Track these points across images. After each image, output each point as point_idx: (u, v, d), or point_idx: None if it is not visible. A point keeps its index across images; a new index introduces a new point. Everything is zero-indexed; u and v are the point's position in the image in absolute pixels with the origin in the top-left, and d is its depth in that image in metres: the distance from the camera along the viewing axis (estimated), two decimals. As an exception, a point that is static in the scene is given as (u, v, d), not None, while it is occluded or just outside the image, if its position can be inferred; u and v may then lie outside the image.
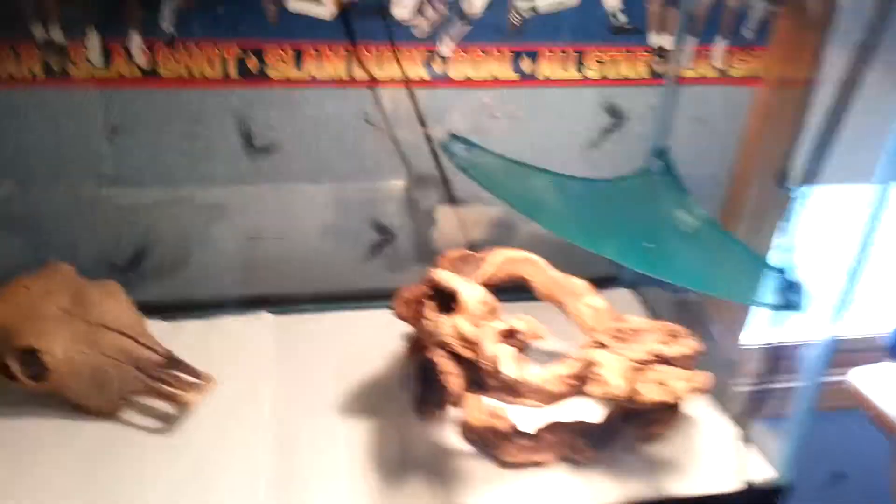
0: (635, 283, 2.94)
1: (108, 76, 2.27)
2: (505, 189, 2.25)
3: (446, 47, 2.46)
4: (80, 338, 1.73)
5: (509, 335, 1.65)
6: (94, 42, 2.21)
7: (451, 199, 2.73)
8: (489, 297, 1.70)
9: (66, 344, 1.71)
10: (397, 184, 2.67)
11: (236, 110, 2.43)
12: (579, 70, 2.60)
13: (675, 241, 2.26)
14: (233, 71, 2.37)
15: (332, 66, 2.43)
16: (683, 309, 2.59)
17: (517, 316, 1.71)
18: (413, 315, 1.80)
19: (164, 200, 2.50)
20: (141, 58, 2.26)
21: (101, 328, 1.71)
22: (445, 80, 2.51)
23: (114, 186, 2.46)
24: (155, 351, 1.91)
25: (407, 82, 2.49)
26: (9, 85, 2.20)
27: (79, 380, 1.63)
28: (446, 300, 1.67)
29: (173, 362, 1.94)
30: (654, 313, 2.44)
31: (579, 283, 2.00)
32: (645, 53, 2.64)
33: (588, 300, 1.95)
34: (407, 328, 1.90)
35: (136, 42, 2.24)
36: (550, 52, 2.54)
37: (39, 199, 2.41)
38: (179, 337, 2.18)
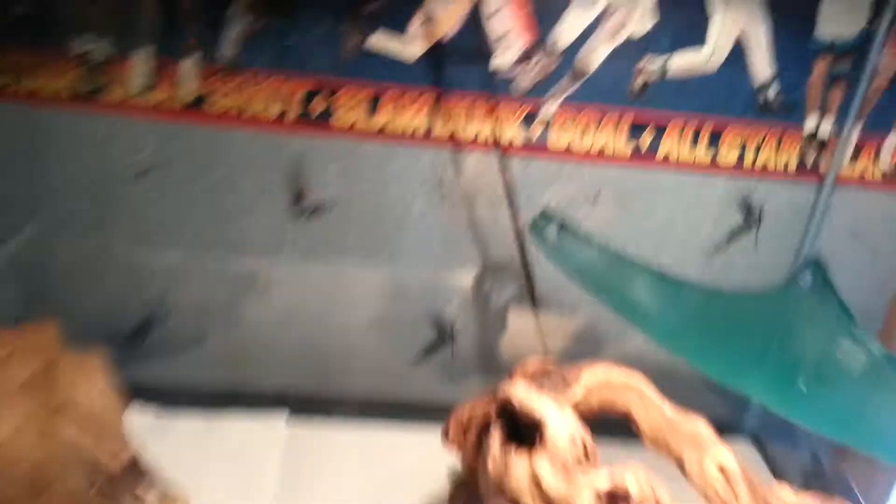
0: (756, 432, 2.32)
1: (147, 104, 1.91)
2: (604, 287, 1.87)
3: (549, 107, 2.01)
4: (31, 423, 1.25)
5: (613, 500, 1.07)
6: (143, 60, 1.87)
7: (531, 299, 2.21)
8: (585, 434, 1.14)
9: (11, 426, 1.21)
10: (466, 273, 2.18)
11: (289, 160, 2.03)
12: (711, 153, 2.10)
13: (839, 381, 1.68)
14: (293, 112, 1.98)
15: (409, 117, 2.02)
16: (816, 471, 2.02)
17: (625, 467, 1.12)
18: (471, 446, 1.24)
19: (186, 262, 2.11)
20: (191, 85, 1.90)
21: (61, 415, 1.23)
22: (543, 148, 2.06)
23: (130, 237, 2.07)
24: (117, 455, 1.43)
25: (498, 146, 2.03)
26: (30, 100, 1.86)
27: (11, 476, 1.14)
28: (522, 431, 1.11)
29: (136, 474, 1.45)
30: (778, 473, 2.12)
31: (703, 429, 1.35)
32: (796, 140, 2.10)
33: (717, 456, 1.32)
34: (458, 461, 1.32)
35: (189, 66, 1.89)
36: (677, 126, 2.04)
37: (43, 240, 2.04)
38: (171, 434, 1.72)
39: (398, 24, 1.93)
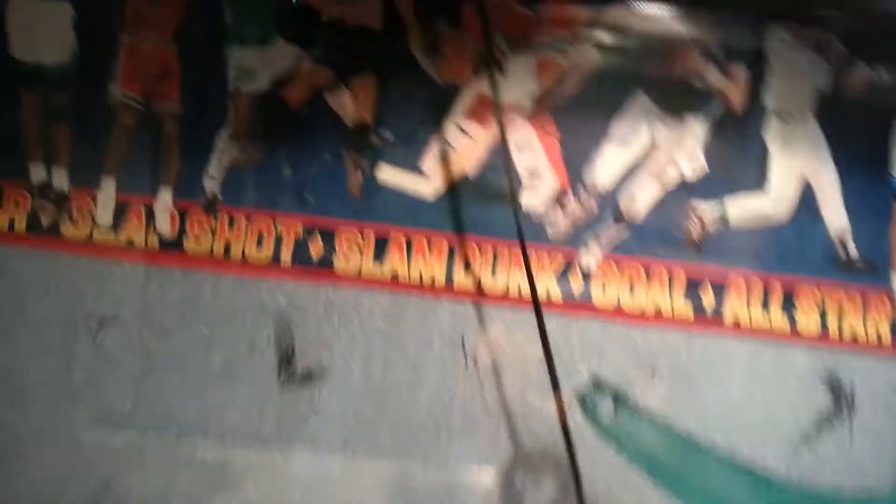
0: None
1: (114, 242, 1.62)
2: (671, 475, 1.60)
3: (591, 257, 1.70)
4: None
5: None
6: (108, 194, 1.61)
7: (578, 496, 1.73)
8: None
9: None
10: (490, 467, 1.73)
11: (278, 312, 1.69)
12: (787, 317, 1.74)
13: None
14: (287, 255, 1.69)
15: (424, 264, 1.72)
16: None
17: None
18: None
19: (144, 441, 1.68)
20: (166, 223, 1.62)
21: None
22: (587, 306, 1.71)
23: (76, 406, 1.68)
24: None
25: (535, 302, 1.67)
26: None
27: None
28: None
29: None
30: None
31: None
32: (885, 304, 1.75)
33: None
34: None
35: (165, 201, 1.64)
36: (743, 283, 1.71)
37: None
38: None
39: (411, 157, 1.70)
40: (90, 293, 1.66)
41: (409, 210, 1.71)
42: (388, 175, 1.69)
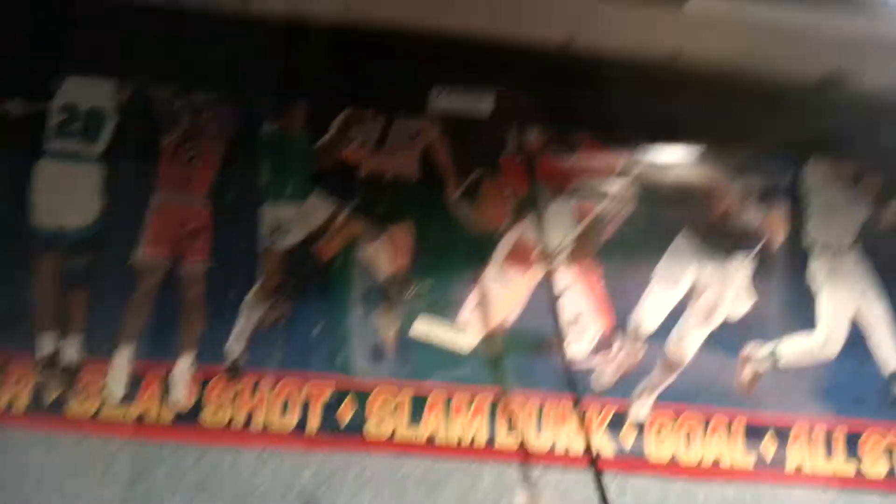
0: None
1: (125, 417, 1.47)
2: None
3: (641, 407, 1.58)
4: None
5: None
6: (122, 363, 1.48)
7: None
8: None
9: None
10: None
11: (305, 487, 1.50)
12: (853, 463, 1.61)
13: None
14: (314, 421, 1.54)
15: (463, 423, 1.57)
16: None
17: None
18: None
19: None
20: (184, 393, 1.48)
21: None
22: (641, 462, 1.57)
23: None
24: None
25: (591, 459, 1.52)
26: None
27: None
28: None
29: None
30: None
31: None
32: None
33: None
34: None
35: (184, 369, 1.51)
36: (804, 429, 1.61)
37: None
38: None
39: (449, 309, 1.59)
40: (100, 476, 1.47)
41: (446, 365, 1.58)
42: (425, 329, 1.58)
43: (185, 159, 1.56)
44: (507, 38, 1.34)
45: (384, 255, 1.58)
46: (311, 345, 1.54)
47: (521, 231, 1.62)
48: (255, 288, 1.53)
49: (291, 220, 1.56)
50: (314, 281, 1.56)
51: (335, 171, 1.59)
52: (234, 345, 1.52)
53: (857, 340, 1.70)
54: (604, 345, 1.63)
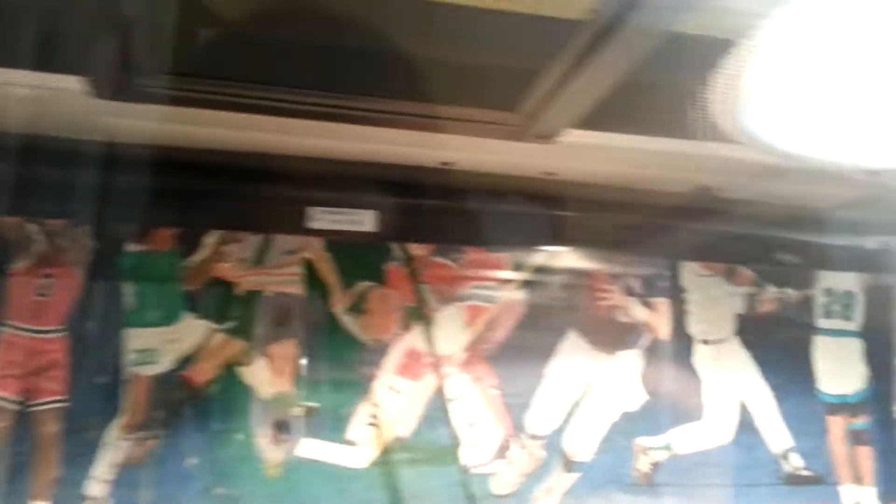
0: None
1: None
2: None
3: (545, 510, 1.53)
4: None
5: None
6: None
7: None
8: None
9: None
10: None
11: None
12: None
13: None
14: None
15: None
16: None
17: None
18: None
19: None
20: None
21: None
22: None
23: None
24: None
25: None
26: None
27: None
28: None
29: None
30: None
31: None
32: (839, 516, 1.69)
33: None
34: None
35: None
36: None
37: None
38: None
39: (338, 425, 1.50)
40: None
41: (338, 485, 1.48)
42: (313, 449, 1.47)
43: (37, 287, 1.40)
44: (383, 161, 1.31)
45: (266, 375, 1.47)
46: (185, 480, 1.39)
47: (412, 340, 1.56)
48: (118, 422, 1.37)
49: (160, 344, 1.43)
50: (187, 409, 1.43)
51: (209, 291, 1.48)
52: (96, 487, 1.35)
53: (746, 425, 1.74)
54: (502, 449, 1.58)
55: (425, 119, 1.04)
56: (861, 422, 1.82)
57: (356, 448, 1.49)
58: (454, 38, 0.87)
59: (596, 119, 1.07)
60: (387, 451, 1.51)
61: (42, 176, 1.28)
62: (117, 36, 0.93)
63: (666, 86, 0.97)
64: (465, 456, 1.56)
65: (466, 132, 1.09)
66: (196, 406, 1.43)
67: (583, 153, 1.23)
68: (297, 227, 1.43)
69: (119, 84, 1.01)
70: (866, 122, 1.12)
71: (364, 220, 1.45)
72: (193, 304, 1.47)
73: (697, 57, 0.89)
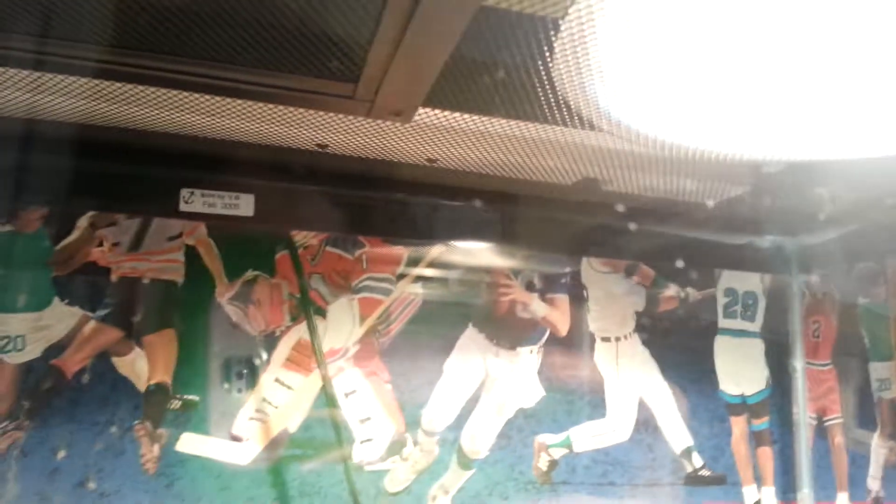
0: None
1: None
2: None
3: (439, 509, 1.50)
4: None
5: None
6: None
7: None
8: None
9: None
10: None
11: None
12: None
13: None
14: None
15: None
16: None
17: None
18: None
19: None
20: None
21: None
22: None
23: None
24: None
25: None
26: None
27: None
28: None
29: None
30: None
31: None
32: (742, 517, 1.70)
33: None
34: None
35: None
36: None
37: None
38: None
39: (222, 420, 1.45)
40: None
41: (220, 482, 1.42)
42: (193, 444, 1.42)
43: None
44: (260, 142, 1.28)
45: (142, 366, 1.42)
46: (55, 475, 1.33)
47: (301, 332, 1.53)
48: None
49: (27, 331, 1.37)
50: (57, 400, 1.37)
51: (81, 276, 1.43)
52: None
53: (648, 424, 1.74)
54: (396, 446, 1.55)
55: (258, 88, 1.00)
56: (762, 422, 1.83)
57: (241, 444, 1.45)
58: (290, 2, 0.84)
59: (452, 98, 1.05)
60: (274, 447, 1.47)
61: None
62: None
63: (516, 66, 0.95)
64: (358, 452, 1.52)
65: (308, 105, 1.07)
66: (67, 396, 1.37)
67: (457, 139, 1.21)
68: (172, 209, 1.39)
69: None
70: (741, 110, 1.12)
71: (240, 204, 1.41)
72: (64, 290, 1.41)
73: (531, 35, 0.87)
